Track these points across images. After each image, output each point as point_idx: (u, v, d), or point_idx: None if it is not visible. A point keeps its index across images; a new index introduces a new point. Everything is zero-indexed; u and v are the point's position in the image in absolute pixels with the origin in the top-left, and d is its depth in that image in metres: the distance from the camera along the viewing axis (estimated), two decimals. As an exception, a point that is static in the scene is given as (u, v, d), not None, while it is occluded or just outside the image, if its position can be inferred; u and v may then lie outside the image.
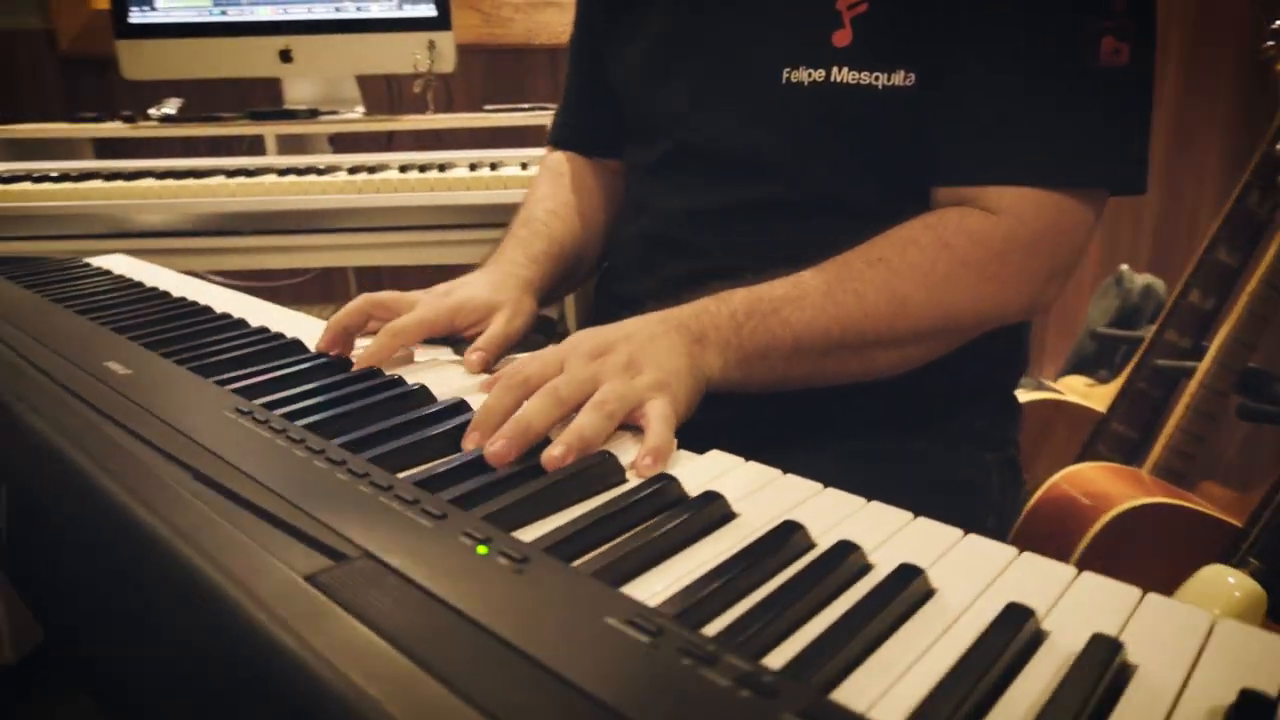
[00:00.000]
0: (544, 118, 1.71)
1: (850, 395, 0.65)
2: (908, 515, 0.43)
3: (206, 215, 1.31)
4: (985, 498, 0.74)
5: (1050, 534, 0.99)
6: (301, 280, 1.98)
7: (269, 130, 1.56)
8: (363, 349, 0.65)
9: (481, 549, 0.36)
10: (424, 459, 0.49)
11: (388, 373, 0.62)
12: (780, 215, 0.71)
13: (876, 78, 0.64)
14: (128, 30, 1.57)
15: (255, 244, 1.31)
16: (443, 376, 0.63)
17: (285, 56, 1.59)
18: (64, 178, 1.37)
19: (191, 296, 0.87)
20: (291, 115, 1.63)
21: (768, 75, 0.68)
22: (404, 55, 1.58)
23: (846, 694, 0.31)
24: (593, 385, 0.52)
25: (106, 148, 1.77)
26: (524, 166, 1.39)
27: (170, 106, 1.66)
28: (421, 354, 0.68)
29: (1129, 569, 0.99)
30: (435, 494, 0.43)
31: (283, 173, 1.35)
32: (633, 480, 0.47)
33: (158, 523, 0.39)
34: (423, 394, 0.59)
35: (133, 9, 1.58)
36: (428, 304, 0.68)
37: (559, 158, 0.93)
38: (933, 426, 0.72)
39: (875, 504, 0.45)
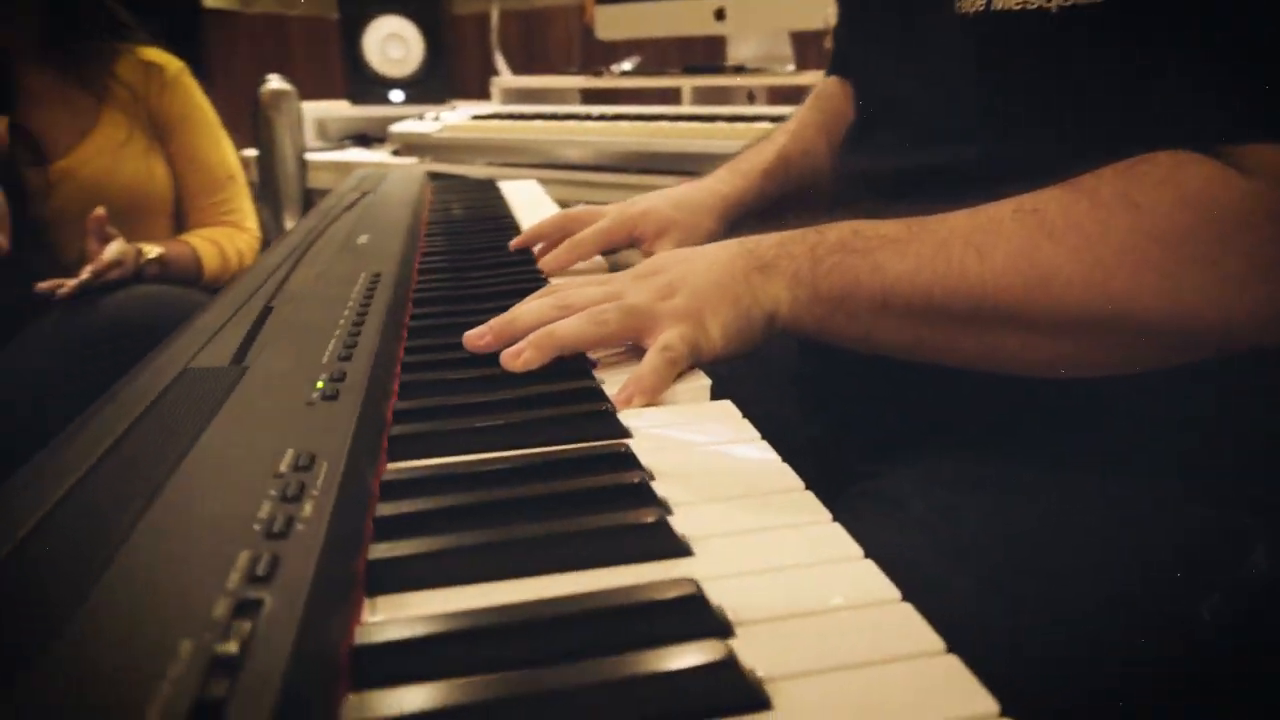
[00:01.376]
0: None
1: (1049, 397, 0.51)
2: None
3: (609, 153, 1.49)
4: (1211, 574, 0.53)
5: None
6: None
7: (687, 83, 1.69)
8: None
9: (320, 383, 0.40)
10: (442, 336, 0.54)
11: None
12: (955, 173, 0.57)
13: None
14: (606, -2, 1.83)
15: (637, 182, 1.45)
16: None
17: (719, 15, 1.69)
18: (519, 117, 1.67)
19: (521, 214, 1.02)
20: (716, 70, 1.74)
21: (941, 6, 0.56)
22: (825, 10, 1.57)
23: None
24: (608, 298, 0.50)
25: (590, 97, 2.09)
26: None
27: (628, 63, 1.89)
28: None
29: None
30: (395, 364, 0.47)
31: (674, 119, 1.46)
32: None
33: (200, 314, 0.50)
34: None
35: (615, -22, 1.82)
36: (611, 215, 0.72)
37: (827, 82, 0.88)
38: (1168, 465, 0.52)
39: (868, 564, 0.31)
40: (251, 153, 1.98)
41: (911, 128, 0.62)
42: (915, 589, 0.38)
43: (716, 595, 0.27)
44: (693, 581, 0.27)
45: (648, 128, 1.49)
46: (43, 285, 1.04)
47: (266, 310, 0.53)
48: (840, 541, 0.31)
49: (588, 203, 1.17)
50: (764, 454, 0.39)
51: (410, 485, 0.34)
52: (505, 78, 2.00)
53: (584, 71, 1.99)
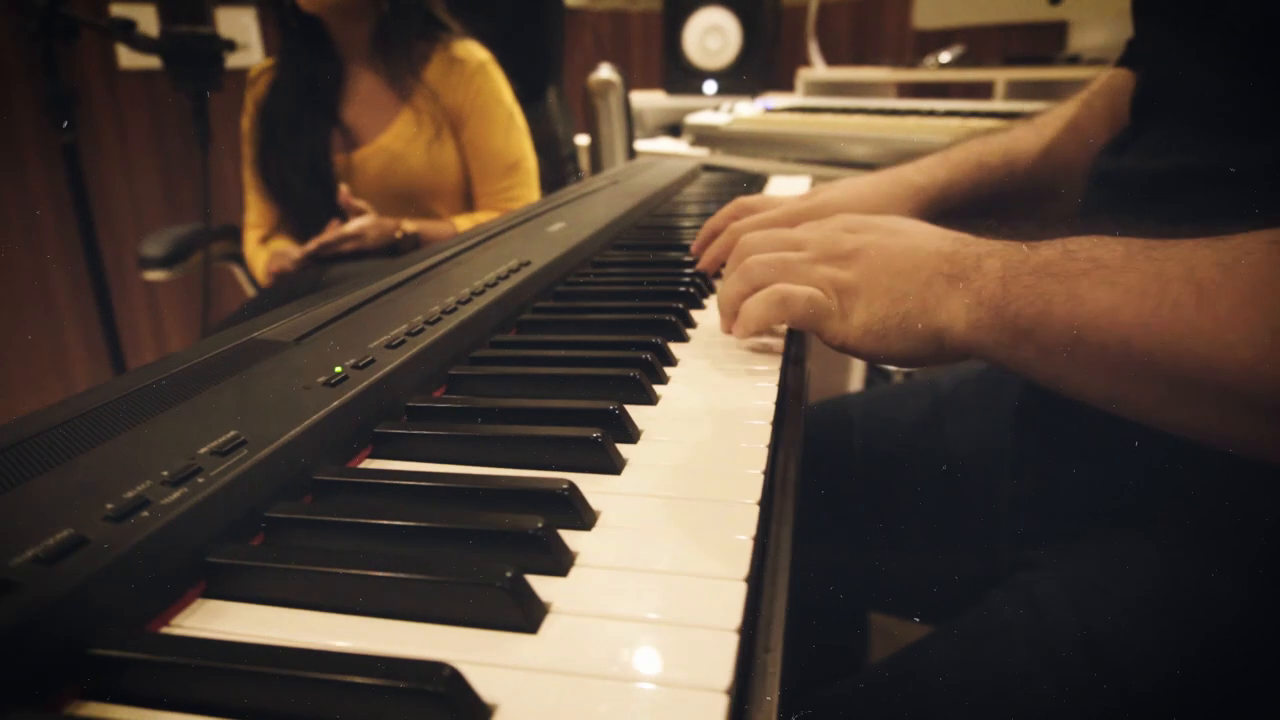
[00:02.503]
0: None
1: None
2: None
3: (898, 152, 1.37)
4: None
5: None
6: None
7: (1000, 76, 1.49)
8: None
9: (338, 368, 0.40)
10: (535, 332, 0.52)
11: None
12: (1204, 187, 0.46)
13: None
14: (929, -19, 1.68)
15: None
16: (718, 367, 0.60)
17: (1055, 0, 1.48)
18: (811, 111, 1.59)
19: None
20: (1036, 61, 1.52)
21: None
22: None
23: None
24: (798, 254, 0.50)
25: (906, 90, 1.95)
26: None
27: (947, 54, 1.72)
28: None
29: None
30: (464, 357, 0.46)
31: (966, 116, 1.30)
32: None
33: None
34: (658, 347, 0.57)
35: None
36: (782, 208, 0.66)
37: (1113, 73, 0.73)
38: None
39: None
40: (584, 140, 2.12)
41: (1190, 123, 0.49)
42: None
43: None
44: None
45: (944, 124, 1.35)
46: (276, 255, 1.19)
47: (389, 289, 0.55)
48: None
49: None
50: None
51: (337, 488, 0.33)
52: (811, 70, 1.93)
53: (901, 64, 1.85)
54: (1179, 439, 0.38)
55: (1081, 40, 1.60)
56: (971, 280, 0.43)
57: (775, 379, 0.47)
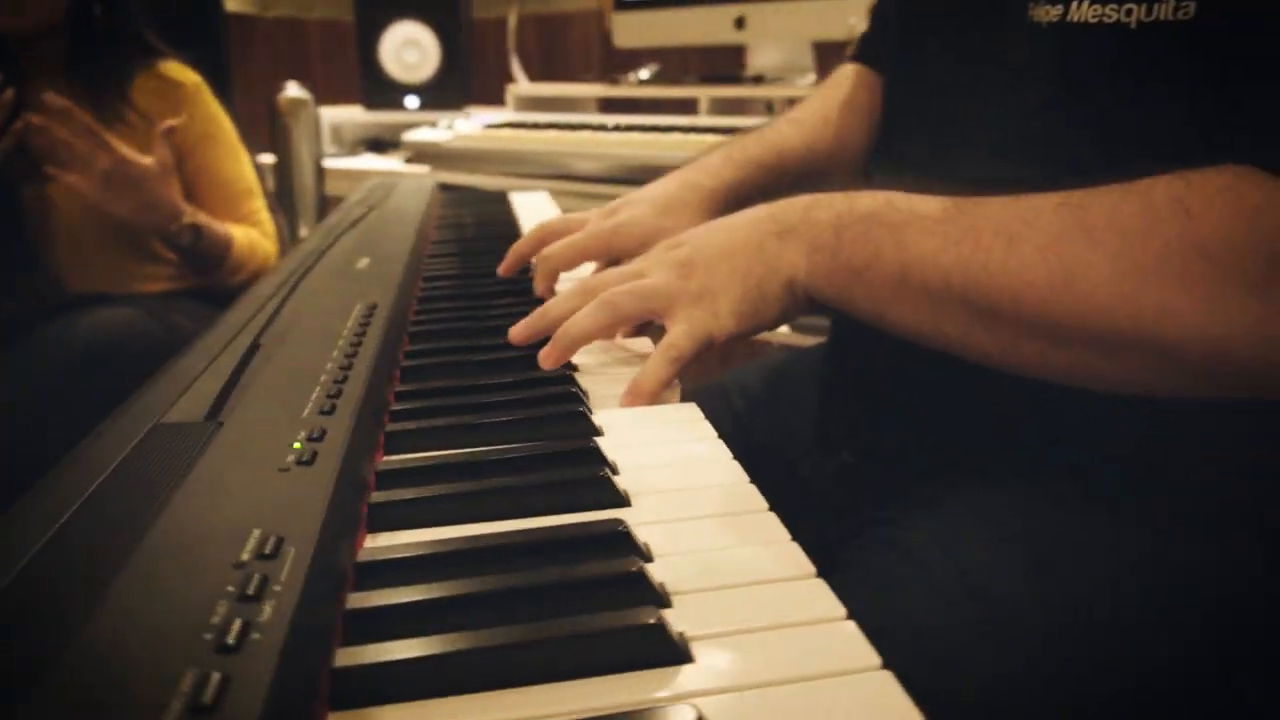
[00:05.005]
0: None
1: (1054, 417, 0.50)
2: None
3: (622, 166, 1.46)
4: (1236, 605, 0.48)
5: None
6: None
7: (704, 94, 1.65)
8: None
9: (297, 444, 0.37)
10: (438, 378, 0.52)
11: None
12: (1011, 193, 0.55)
13: (1128, 11, 0.46)
14: (623, 4, 1.80)
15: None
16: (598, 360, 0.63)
17: (739, 24, 1.66)
18: (533, 126, 1.64)
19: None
20: (734, 80, 1.71)
21: (1015, 12, 0.53)
22: (848, 20, 1.53)
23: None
24: (632, 277, 0.52)
25: (607, 105, 2.06)
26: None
27: (645, 71, 1.86)
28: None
29: None
30: (383, 413, 0.45)
31: (686, 131, 1.43)
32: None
33: (183, 356, 0.47)
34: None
35: (631, -16, 1.79)
36: (588, 229, 0.68)
37: (845, 70, 0.84)
38: (1172, 492, 0.50)
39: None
40: (269, 159, 1.96)
41: (964, 137, 0.58)
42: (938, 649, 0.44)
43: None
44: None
45: (664, 139, 1.46)
46: None
47: (253, 349, 0.50)
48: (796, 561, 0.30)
49: None
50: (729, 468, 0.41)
51: (388, 568, 0.31)
52: (520, 85, 1.97)
53: (602, 79, 1.96)
54: (984, 388, 0.48)
55: (758, 61, 1.81)
56: (802, 232, 0.50)
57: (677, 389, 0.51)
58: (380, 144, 2.13)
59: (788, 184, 0.75)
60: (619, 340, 0.59)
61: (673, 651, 0.27)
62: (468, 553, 0.32)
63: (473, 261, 0.82)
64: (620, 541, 0.33)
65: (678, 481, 0.39)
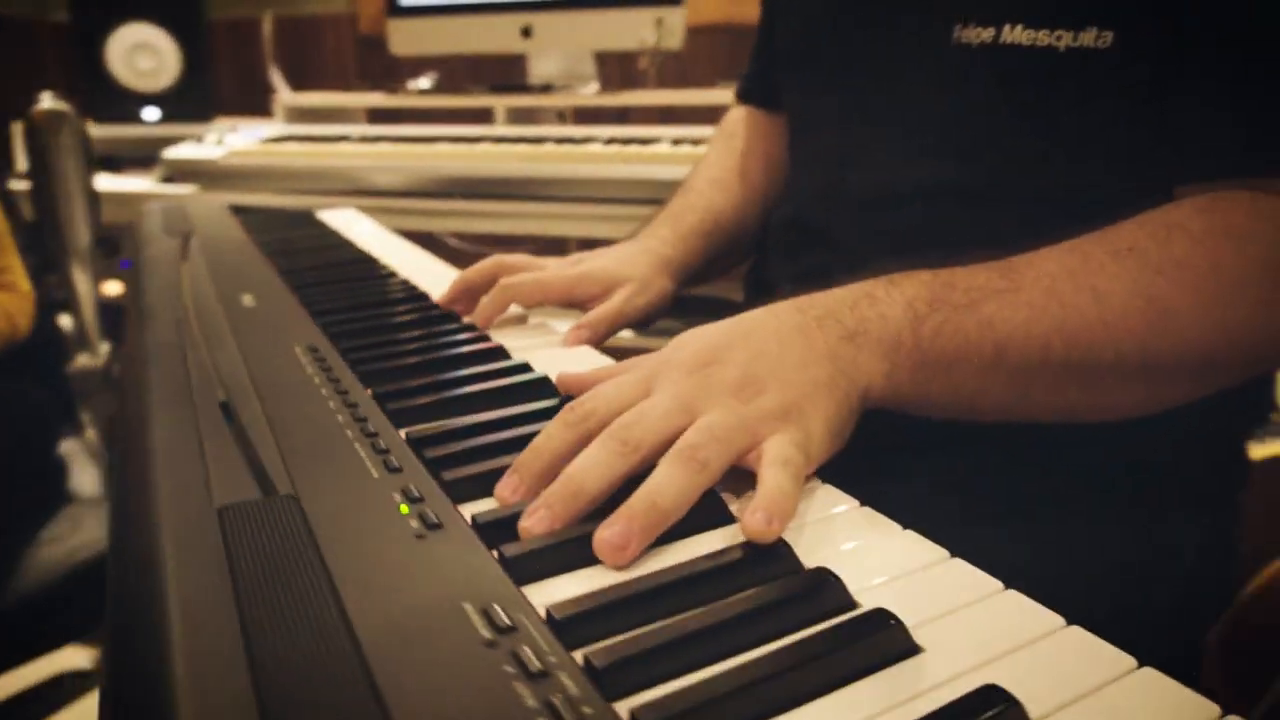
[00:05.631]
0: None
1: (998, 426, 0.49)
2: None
3: (429, 179, 1.41)
4: (1172, 582, 0.57)
5: (1273, 632, 0.79)
6: (528, 247, 2.08)
7: (500, 103, 1.64)
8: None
9: (404, 508, 0.34)
10: (446, 415, 0.48)
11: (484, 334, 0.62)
12: (942, 204, 0.57)
13: (1058, 36, 0.50)
14: (398, 10, 1.73)
15: (470, 208, 1.39)
16: (536, 337, 0.62)
17: (526, 33, 1.66)
18: (322, 140, 1.53)
19: (371, 246, 0.94)
20: (525, 89, 1.71)
21: (937, 34, 0.56)
22: (639, 32, 1.59)
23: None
24: (685, 417, 0.39)
25: (378, 115, 1.96)
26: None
27: (426, 80, 1.80)
28: (543, 320, 0.67)
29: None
30: (424, 450, 0.41)
31: (497, 141, 1.41)
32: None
33: (155, 434, 0.41)
34: (497, 353, 0.58)
35: (405, -10, 1.73)
36: (553, 269, 0.67)
37: (736, 115, 0.87)
38: (1107, 478, 0.54)
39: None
40: (21, 185, 1.64)
41: (887, 166, 0.60)
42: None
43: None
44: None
45: (470, 150, 1.43)
46: None
47: (228, 412, 0.44)
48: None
49: (399, 229, 1.10)
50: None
51: (588, 618, 0.30)
52: (291, 94, 1.83)
53: (378, 88, 1.86)
54: None
55: (540, 69, 1.82)
56: (874, 331, 0.43)
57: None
58: (114, 161, 1.87)
59: (724, 249, 0.76)
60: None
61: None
62: (660, 590, 0.32)
63: (356, 291, 0.76)
64: (780, 553, 0.34)
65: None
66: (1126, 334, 0.44)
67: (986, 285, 0.45)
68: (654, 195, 1.31)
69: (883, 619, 0.29)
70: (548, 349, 0.61)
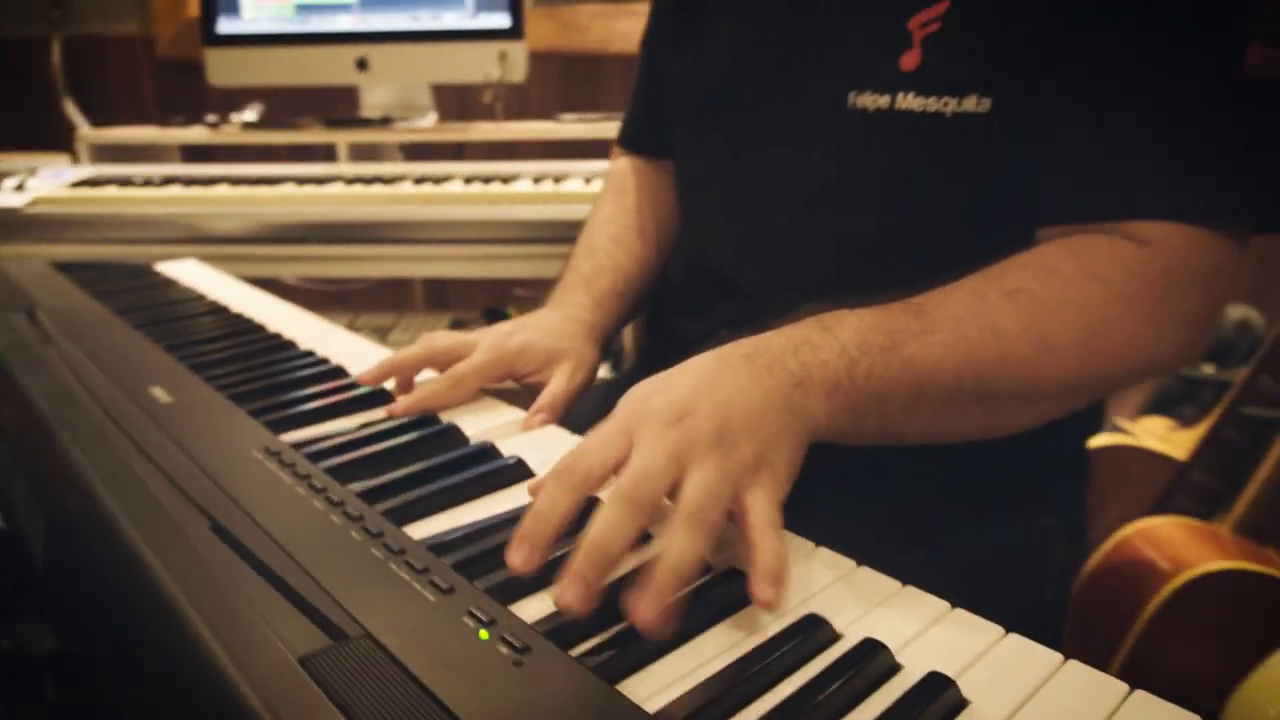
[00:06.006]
0: (616, 129, 1.70)
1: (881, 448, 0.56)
2: (944, 606, 0.41)
3: (276, 225, 1.34)
4: (1042, 569, 0.68)
5: (1114, 596, 0.93)
6: (371, 285, 2.02)
7: (341, 139, 1.59)
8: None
9: (483, 634, 0.35)
10: (441, 508, 0.49)
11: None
12: (852, 258, 0.64)
13: (945, 103, 0.57)
14: (216, 39, 1.62)
15: (321, 253, 1.33)
16: (482, 415, 0.63)
17: (362, 65, 1.61)
18: (146, 183, 1.42)
19: (248, 310, 0.89)
20: (365, 123, 1.66)
21: (833, 99, 0.62)
22: (479, 64, 1.59)
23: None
24: (679, 470, 0.42)
25: (194, 152, 1.83)
26: (588, 181, 1.38)
27: (252, 113, 1.71)
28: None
29: (1200, 639, 0.93)
30: (446, 557, 0.42)
31: (350, 181, 1.37)
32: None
33: (170, 581, 0.38)
34: (453, 435, 0.59)
35: (221, 18, 1.63)
36: (488, 348, 0.66)
37: (623, 166, 0.90)
38: (982, 487, 0.63)
39: (910, 590, 0.42)
40: None
41: (791, 219, 0.66)
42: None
43: None
44: None
45: (318, 194, 1.36)
46: None
47: (225, 535, 0.43)
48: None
49: (244, 277, 1.05)
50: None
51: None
52: (92, 130, 1.67)
53: (193, 120, 1.74)
54: None
55: (371, 100, 1.77)
56: (817, 376, 0.48)
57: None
58: None
59: (633, 308, 0.79)
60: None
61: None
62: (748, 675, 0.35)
63: (272, 372, 0.71)
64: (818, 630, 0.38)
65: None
66: (1020, 365, 0.52)
67: (906, 329, 0.51)
68: (516, 235, 1.32)
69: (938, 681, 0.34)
70: (502, 428, 0.62)
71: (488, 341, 0.68)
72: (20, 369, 0.68)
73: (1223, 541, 1.01)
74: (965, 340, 0.51)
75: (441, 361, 0.66)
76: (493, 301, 1.70)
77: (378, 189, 1.33)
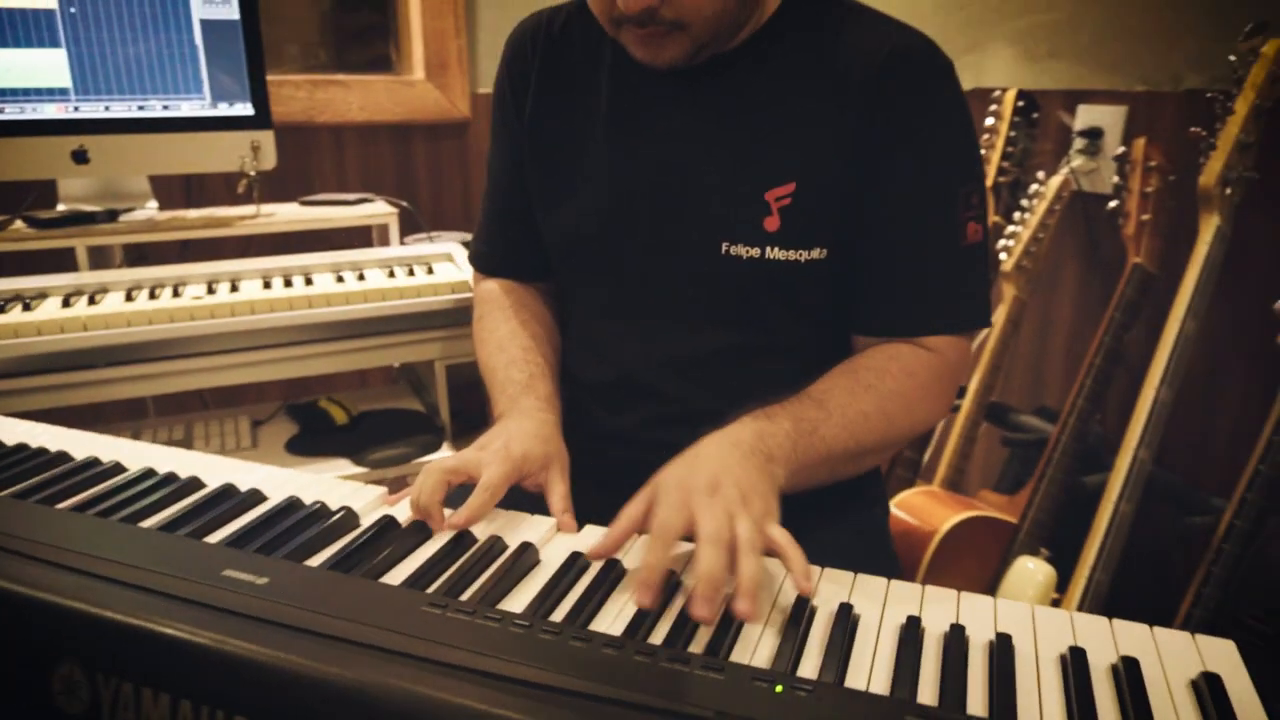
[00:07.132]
0: (367, 217, 1.73)
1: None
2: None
3: (43, 355, 1.19)
4: (883, 544, 0.98)
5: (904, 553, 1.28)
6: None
7: (80, 242, 1.43)
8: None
9: (778, 688, 0.50)
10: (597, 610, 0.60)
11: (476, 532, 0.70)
12: (736, 361, 0.87)
13: (800, 254, 0.82)
14: None
15: (108, 376, 1.22)
16: (523, 528, 0.72)
17: (80, 157, 1.46)
18: None
19: (71, 448, 0.81)
20: (90, 219, 1.51)
21: (709, 245, 0.83)
22: (220, 154, 1.53)
23: None
24: (728, 520, 0.62)
25: None
26: (390, 274, 1.43)
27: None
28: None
29: (957, 573, 1.30)
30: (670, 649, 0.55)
31: (129, 293, 1.26)
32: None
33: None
34: (531, 553, 0.68)
35: None
36: (500, 460, 0.75)
37: (494, 290, 1.01)
38: (832, 496, 0.84)
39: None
40: None
41: (676, 318, 0.87)
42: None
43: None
44: None
45: (100, 314, 1.23)
46: None
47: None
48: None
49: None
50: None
51: None
52: None
53: None
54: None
55: (72, 191, 1.58)
56: (777, 455, 0.72)
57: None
58: None
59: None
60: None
61: None
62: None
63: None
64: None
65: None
66: (877, 434, 0.79)
67: (816, 417, 0.76)
68: (323, 335, 1.30)
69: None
70: (546, 535, 0.71)
71: (491, 454, 0.77)
72: None
73: (941, 497, 1.40)
74: (849, 421, 0.77)
75: (456, 481, 0.74)
76: (287, 395, 1.64)
77: (169, 301, 1.25)
